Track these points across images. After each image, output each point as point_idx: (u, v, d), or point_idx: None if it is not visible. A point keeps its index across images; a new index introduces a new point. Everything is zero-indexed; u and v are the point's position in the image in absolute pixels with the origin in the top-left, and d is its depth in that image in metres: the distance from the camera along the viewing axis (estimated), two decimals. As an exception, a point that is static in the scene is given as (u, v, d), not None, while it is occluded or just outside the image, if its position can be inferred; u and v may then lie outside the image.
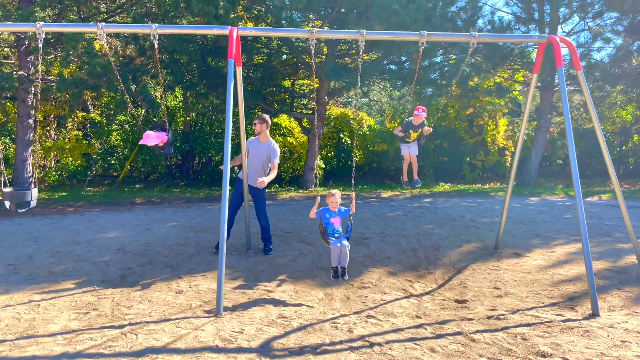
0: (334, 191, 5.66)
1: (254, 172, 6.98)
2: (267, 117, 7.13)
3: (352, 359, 3.79)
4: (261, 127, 7.00)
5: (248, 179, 6.94)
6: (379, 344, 4.07)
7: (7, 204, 5.22)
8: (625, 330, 4.31)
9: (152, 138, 6.29)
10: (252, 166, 6.97)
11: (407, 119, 7.40)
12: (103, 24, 5.40)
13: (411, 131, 7.26)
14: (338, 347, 4.02)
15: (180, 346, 3.97)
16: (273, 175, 6.97)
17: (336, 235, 5.55)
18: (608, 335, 4.20)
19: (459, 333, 4.33)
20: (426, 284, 6.04)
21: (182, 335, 4.18)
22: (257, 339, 4.13)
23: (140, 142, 6.51)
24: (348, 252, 5.45)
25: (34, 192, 5.36)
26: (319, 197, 5.69)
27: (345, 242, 5.45)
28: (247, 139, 6.90)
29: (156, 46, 5.62)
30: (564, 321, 4.60)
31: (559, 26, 16.88)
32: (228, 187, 5.10)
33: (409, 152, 7.40)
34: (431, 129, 7.21)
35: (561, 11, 16.63)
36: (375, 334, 4.30)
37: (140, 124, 16.20)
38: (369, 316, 4.79)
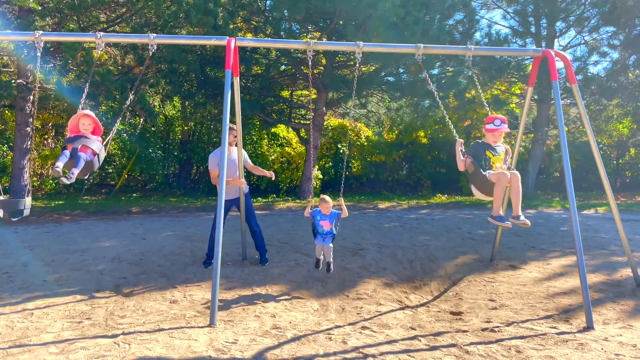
0: (326, 197, 5.73)
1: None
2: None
3: (346, 370, 3.78)
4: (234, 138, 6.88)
5: (231, 194, 6.96)
6: (373, 356, 4.05)
7: (0, 212, 5.20)
8: (619, 344, 4.31)
9: (83, 113, 5.02)
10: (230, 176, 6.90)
11: (476, 141, 5.26)
12: (102, 33, 5.44)
13: (489, 153, 4.96)
14: (332, 358, 4.00)
15: (173, 356, 3.95)
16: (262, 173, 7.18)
17: (324, 236, 5.75)
18: (602, 349, 4.20)
19: (454, 345, 4.32)
20: (422, 296, 6.03)
21: (176, 346, 4.16)
22: (251, 350, 4.11)
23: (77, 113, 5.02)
24: (331, 251, 5.75)
25: (27, 201, 5.33)
26: (313, 201, 5.81)
27: (330, 244, 5.71)
28: (213, 154, 6.80)
29: (149, 54, 5.65)
30: (558, 334, 4.59)
31: (556, 40, 17.02)
32: (224, 197, 5.10)
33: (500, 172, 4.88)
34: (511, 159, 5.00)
35: (558, 25, 16.79)
36: (370, 346, 4.29)
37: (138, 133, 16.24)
38: (364, 327, 4.78)
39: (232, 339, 4.34)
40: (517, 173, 4.79)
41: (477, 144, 5.06)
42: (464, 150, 5.04)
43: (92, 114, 5.08)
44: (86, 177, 5.17)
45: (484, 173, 4.77)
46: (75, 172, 4.72)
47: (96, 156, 5.00)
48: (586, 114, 5.93)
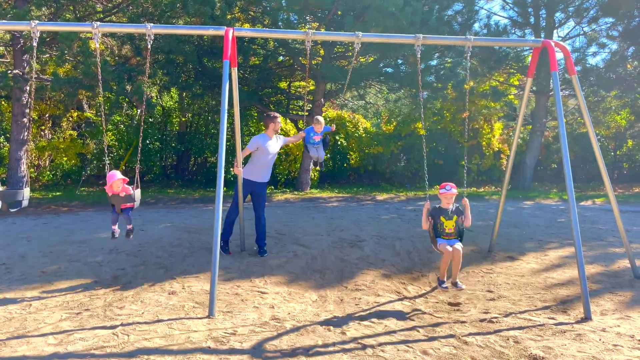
0: (319, 118, 6.77)
1: (268, 169, 7.15)
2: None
3: (345, 361, 3.79)
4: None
5: (261, 177, 7.08)
6: (372, 346, 4.06)
7: (-2, 203, 5.19)
8: (617, 334, 4.33)
9: (116, 179, 5.59)
10: (269, 164, 7.11)
11: (433, 206, 5.71)
12: (98, 23, 5.39)
13: (443, 219, 5.52)
14: (331, 349, 4.01)
15: (172, 347, 3.95)
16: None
17: (316, 146, 6.83)
18: (600, 339, 4.22)
19: (452, 336, 4.34)
20: (420, 287, 6.04)
21: (174, 336, 4.16)
22: (250, 341, 4.12)
23: (107, 181, 5.64)
24: (323, 157, 6.94)
25: (25, 192, 5.33)
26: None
27: (322, 152, 6.91)
28: (257, 140, 6.97)
29: (149, 46, 5.61)
30: (556, 324, 4.61)
31: (555, 31, 16.97)
32: (222, 188, 5.09)
33: (448, 245, 5.42)
34: (469, 219, 5.54)
35: (557, 16, 16.73)
36: (368, 336, 4.30)
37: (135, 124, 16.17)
38: (362, 318, 4.79)
39: (231, 330, 4.34)
40: (460, 250, 5.43)
41: (434, 209, 5.65)
42: (428, 213, 5.68)
43: (119, 176, 5.68)
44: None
45: (436, 242, 5.56)
46: (130, 226, 5.89)
47: (134, 202, 5.77)
48: (585, 105, 5.91)
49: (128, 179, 5.78)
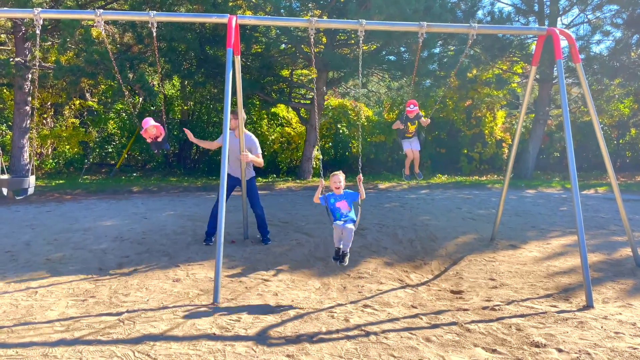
0: (336, 172, 5.14)
1: (234, 163, 7.00)
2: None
3: (349, 347, 3.82)
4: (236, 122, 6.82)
5: (236, 172, 7.02)
6: (375, 333, 4.10)
7: (4, 190, 5.23)
8: (618, 322, 4.36)
9: (150, 125, 6.19)
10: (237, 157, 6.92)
11: (403, 112, 7.28)
12: (101, 10, 5.37)
13: (409, 124, 7.08)
14: (334, 335, 4.05)
15: (177, 334, 3.99)
16: (258, 160, 7.13)
17: (343, 219, 5.00)
18: (602, 327, 4.25)
19: (454, 323, 4.37)
20: (422, 275, 6.07)
21: (180, 323, 4.21)
22: (254, 327, 4.16)
23: (142, 127, 6.26)
24: (351, 236, 4.93)
25: (31, 180, 5.36)
26: (323, 180, 5.14)
27: (350, 225, 4.92)
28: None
29: (154, 34, 5.60)
30: (558, 312, 4.64)
31: (559, 18, 16.85)
32: (226, 176, 5.10)
33: (411, 147, 7.19)
34: (429, 120, 6.95)
35: (561, 3, 16.61)
36: (372, 324, 4.33)
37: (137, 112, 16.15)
38: (365, 306, 4.82)
39: (235, 317, 4.38)
40: (417, 151, 7.26)
41: (403, 115, 7.06)
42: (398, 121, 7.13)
43: (153, 122, 6.28)
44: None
45: (403, 140, 7.31)
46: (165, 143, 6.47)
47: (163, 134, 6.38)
48: (590, 94, 5.89)
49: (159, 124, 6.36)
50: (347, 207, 5.03)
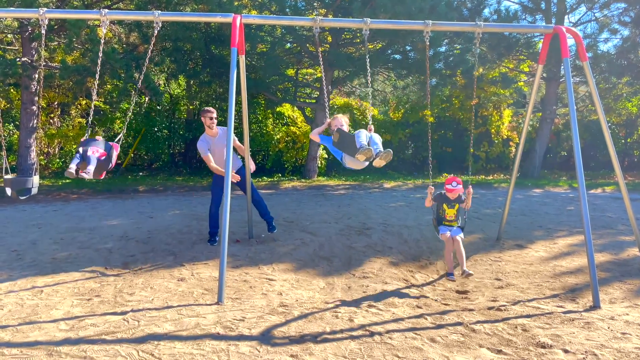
0: (338, 115, 5.67)
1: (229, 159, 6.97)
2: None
3: (353, 347, 3.81)
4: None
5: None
6: (380, 334, 4.08)
7: (8, 190, 5.24)
8: (625, 322, 4.32)
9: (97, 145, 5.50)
10: (224, 156, 6.85)
11: (439, 191, 6.04)
12: (106, 10, 5.38)
13: (445, 206, 5.92)
14: (339, 335, 4.03)
15: (181, 333, 3.99)
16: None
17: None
18: (608, 327, 4.21)
19: (460, 323, 4.34)
20: (427, 275, 6.05)
21: (184, 323, 4.21)
22: (258, 327, 4.15)
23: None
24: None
25: (35, 179, 5.38)
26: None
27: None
28: (200, 140, 6.74)
29: (155, 33, 5.60)
30: (564, 313, 4.60)
31: (566, 16, 16.75)
32: (231, 175, 5.10)
33: (450, 233, 5.84)
34: (469, 204, 5.91)
35: (568, 1, 16.50)
36: (376, 324, 4.31)
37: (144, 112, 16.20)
38: (370, 305, 4.81)
39: (239, 317, 4.38)
40: (460, 240, 5.77)
41: (438, 196, 6.00)
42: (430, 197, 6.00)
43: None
44: (102, 177, 5.58)
45: (438, 229, 6.01)
46: (91, 168, 5.23)
47: (106, 156, 5.38)
48: (597, 92, 5.84)
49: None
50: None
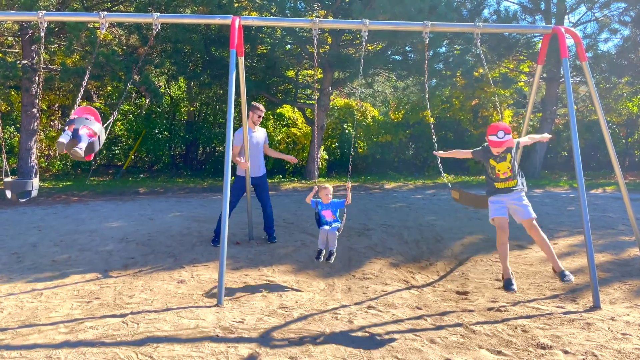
0: (326, 185, 5.56)
1: (260, 160, 7.13)
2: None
3: (352, 349, 3.79)
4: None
5: (256, 171, 7.05)
6: (379, 335, 4.08)
7: (8, 193, 5.25)
8: (626, 323, 4.30)
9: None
10: (258, 155, 7.08)
11: (479, 147, 5.05)
12: (105, 13, 5.39)
13: (492, 162, 4.76)
14: (338, 337, 4.02)
15: (181, 335, 3.99)
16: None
17: (330, 224, 5.44)
18: (609, 328, 4.20)
19: (459, 324, 4.34)
20: (428, 276, 6.04)
21: (183, 325, 4.20)
22: (258, 329, 4.15)
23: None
24: (335, 239, 5.29)
25: (35, 182, 5.38)
26: (316, 187, 5.55)
27: (335, 231, 5.30)
28: (239, 131, 6.84)
29: (153, 34, 5.61)
30: (564, 313, 4.59)
31: (566, 16, 16.73)
32: (230, 177, 5.10)
33: (507, 212, 4.75)
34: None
35: (568, 1, 16.48)
36: (376, 325, 4.31)
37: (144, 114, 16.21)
38: (370, 307, 4.80)
39: (239, 319, 4.37)
40: (534, 223, 4.72)
41: (479, 151, 5.00)
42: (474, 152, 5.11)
43: (94, 110, 5.27)
44: (92, 160, 5.28)
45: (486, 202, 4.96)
46: (83, 146, 4.80)
47: (96, 137, 5.04)
48: (596, 92, 5.84)
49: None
50: (331, 216, 5.47)
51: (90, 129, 5.01)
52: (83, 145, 4.82)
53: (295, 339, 3.96)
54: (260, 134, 7.12)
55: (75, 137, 4.87)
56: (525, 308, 4.78)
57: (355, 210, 9.93)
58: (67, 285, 5.39)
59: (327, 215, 5.46)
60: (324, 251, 5.32)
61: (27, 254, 6.61)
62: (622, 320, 4.38)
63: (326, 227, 5.35)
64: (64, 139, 4.76)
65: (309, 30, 14.39)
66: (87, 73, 5.78)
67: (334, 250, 5.29)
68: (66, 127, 5.02)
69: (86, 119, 5.08)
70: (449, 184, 5.62)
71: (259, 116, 6.99)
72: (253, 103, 7.12)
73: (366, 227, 8.28)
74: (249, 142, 6.75)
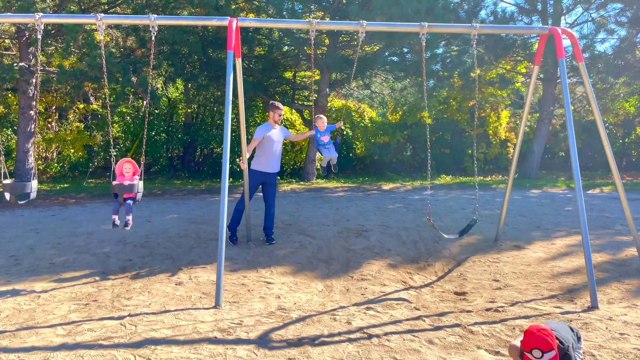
0: (321, 115, 6.85)
1: (277, 158, 7.24)
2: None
3: (350, 350, 3.80)
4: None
5: (271, 168, 7.14)
6: (377, 336, 4.08)
7: (6, 195, 5.24)
8: (624, 323, 4.31)
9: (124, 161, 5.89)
10: (277, 153, 7.21)
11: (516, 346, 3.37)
12: (102, 15, 5.38)
13: None
14: (336, 338, 4.03)
15: (179, 337, 3.98)
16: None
17: (327, 147, 6.70)
18: (606, 328, 4.20)
19: (458, 325, 4.34)
20: (426, 276, 6.04)
21: (181, 327, 4.20)
22: (256, 331, 4.14)
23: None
24: (336, 158, 6.81)
25: (33, 184, 5.38)
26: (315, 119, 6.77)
27: (335, 153, 6.76)
28: (261, 127, 7.06)
29: (153, 37, 5.61)
30: (562, 313, 4.60)
31: (562, 17, 16.78)
32: (227, 179, 5.09)
33: None
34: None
35: (564, 2, 16.53)
36: (374, 326, 4.31)
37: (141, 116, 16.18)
38: (368, 308, 4.80)
39: (237, 320, 4.37)
40: None
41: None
42: None
43: (131, 160, 5.92)
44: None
45: None
46: (129, 217, 5.75)
47: (138, 194, 5.74)
48: (593, 93, 5.85)
49: (138, 169, 5.85)
50: (328, 138, 6.73)
51: (131, 195, 5.71)
52: (130, 218, 5.77)
53: (293, 341, 3.96)
54: (279, 131, 7.24)
55: (122, 204, 5.78)
56: (523, 308, 4.78)
57: (353, 212, 9.94)
58: (65, 287, 5.37)
59: (325, 138, 6.69)
60: (330, 164, 6.89)
61: (24, 256, 6.60)
62: (620, 320, 4.39)
63: (328, 155, 6.76)
64: (115, 213, 5.74)
65: (306, 32, 14.37)
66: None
67: (336, 162, 6.89)
68: (115, 194, 5.70)
69: (124, 185, 5.64)
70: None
71: (280, 115, 7.17)
72: (272, 102, 7.28)
73: (364, 228, 8.29)
74: (269, 139, 6.98)
